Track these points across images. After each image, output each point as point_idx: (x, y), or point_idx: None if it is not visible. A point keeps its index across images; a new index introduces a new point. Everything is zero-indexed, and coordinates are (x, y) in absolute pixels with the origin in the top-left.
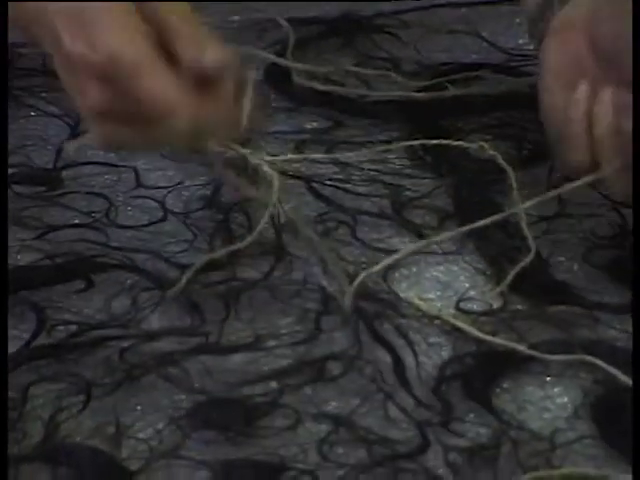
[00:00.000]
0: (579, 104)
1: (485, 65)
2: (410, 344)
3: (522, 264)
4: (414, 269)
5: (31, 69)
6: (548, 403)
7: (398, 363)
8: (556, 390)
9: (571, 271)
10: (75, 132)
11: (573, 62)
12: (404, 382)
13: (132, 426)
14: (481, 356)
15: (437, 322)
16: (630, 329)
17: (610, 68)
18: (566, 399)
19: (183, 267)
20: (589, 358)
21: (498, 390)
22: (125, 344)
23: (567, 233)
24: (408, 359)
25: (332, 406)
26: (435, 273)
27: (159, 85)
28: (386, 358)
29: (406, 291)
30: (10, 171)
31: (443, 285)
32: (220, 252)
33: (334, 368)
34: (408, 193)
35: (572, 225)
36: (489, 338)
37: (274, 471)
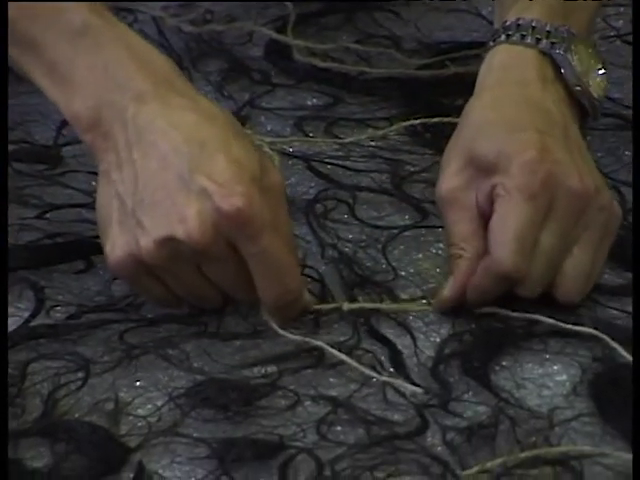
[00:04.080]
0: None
1: (485, 43)
2: (408, 329)
3: None
4: (413, 245)
5: None
6: (547, 381)
7: (395, 355)
8: (555, 368)
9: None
10: None
11: (459, 180)
12: (402, 372)
13: (131, 403)
14: (480, 333)
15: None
16: (629, 309)
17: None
18: (565, 377)
19: None
20: (595, 332)
21: (497, 368)
22: (124, 327)
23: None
24: (407, 342)
25: (331, 389)
26: (434, 250)
27: (281, 247)
28: (384, 348)
29: (405, 268)
30: (10, 148)
31: (444, 260)
32: None
33: (333, 356)
34: (407, 168)
35: None
36: (490, 309)
37: (273, 449)
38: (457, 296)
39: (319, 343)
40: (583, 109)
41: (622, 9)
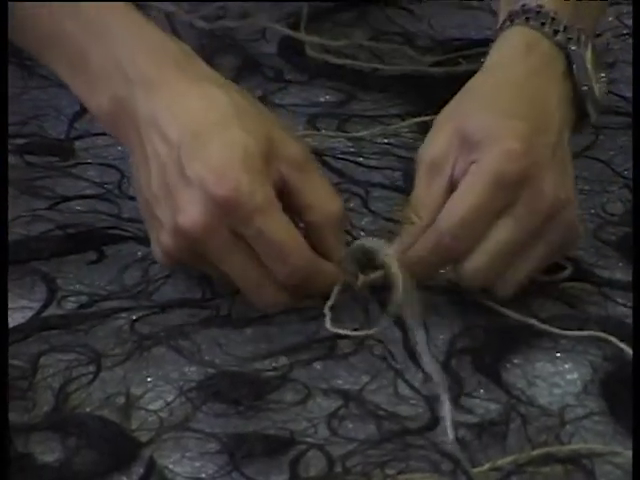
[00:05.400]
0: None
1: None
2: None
3: None
4: None
5: None
6: (558, 379)
7: (408, 338)
8: (566, 366)
9: (582, 247)
10: None
11: (443, 149)
12: (414, 357)
13: (142, 397)
14: (492, 330)
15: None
16: None
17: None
18: (576, 375)
19: None
20: (602, 334)
21: (508, 365)
22: (135, 315)
23: (578, 209)
24: (419, 332)
25: (342, 382)
26: None
27: (277, 227)
28: (396, 334)
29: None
30: (22, 141)
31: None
32: None
33: (344, 346)
34: None
35: (583, 201)
36: (502, 310)
37: (284, 445)
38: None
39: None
40: (581, 110)
41: None
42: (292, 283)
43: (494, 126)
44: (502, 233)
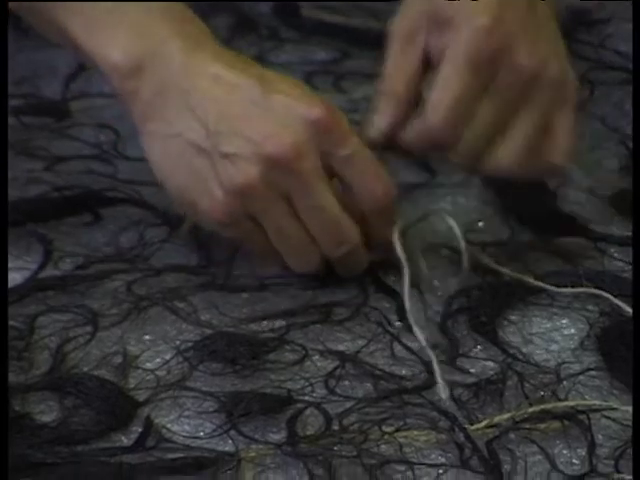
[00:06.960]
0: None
1: None
2: (416, 285)
3: None
4: (422, 201)
5: None
6: (554, 335)
7: (402, 310)
8: (563, 322)
9: (578, 203)
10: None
11: (415, 21)
12: (408, 326)
13: (139, 356)
14: (487, 288)
15: (444, 254)
16: None
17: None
18: (573, 331)
19: None
20: (596, 290)
21: (504, 322)
22: (132, 278)
23: (574, 165)
24: (414, 297)
25: (339, 344)
26: (443, 204)
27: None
28: (392, 303)
29: (414, 225)
30: (18, 102)
31: (451, 216)
32: None
33: (341, 312)
34: None
35: (579, 157)
36: (500, 268)
37: (281, 403)
38: (386, 131)
39: None
40: None
41: None
42: (383, 205)
43: (463, 3)
44: (486, 110)
